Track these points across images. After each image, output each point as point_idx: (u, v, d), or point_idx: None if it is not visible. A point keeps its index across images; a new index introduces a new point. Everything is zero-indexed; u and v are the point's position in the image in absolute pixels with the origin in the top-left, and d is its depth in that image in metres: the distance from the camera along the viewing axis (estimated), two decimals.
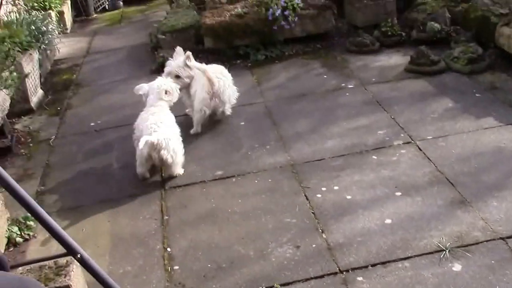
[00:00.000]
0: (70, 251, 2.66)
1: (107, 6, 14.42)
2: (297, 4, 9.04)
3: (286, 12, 8.92)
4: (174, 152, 5.68)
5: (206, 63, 8.66)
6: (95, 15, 13.96)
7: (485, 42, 8.05)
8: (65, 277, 3.84)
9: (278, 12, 8.86)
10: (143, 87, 6.25)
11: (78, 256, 2.66)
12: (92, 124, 7.33)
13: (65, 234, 2.62)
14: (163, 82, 6.28)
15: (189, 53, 6.78)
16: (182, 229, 4.95)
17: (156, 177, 5.88)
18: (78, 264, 2.69)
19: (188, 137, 6.53)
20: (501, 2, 8.29)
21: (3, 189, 2.55)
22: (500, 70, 7.51)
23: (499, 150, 5.65)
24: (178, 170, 5.83)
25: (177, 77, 6.70)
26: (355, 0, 9.52)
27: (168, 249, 4.71)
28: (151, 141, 5.49)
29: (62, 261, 3.96)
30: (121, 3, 14.59)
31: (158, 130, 5.65)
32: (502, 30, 7.55)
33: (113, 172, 6.09)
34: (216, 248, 4.65)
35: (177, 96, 6.37)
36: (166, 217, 5.16)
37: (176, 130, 5.93)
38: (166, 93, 6.13)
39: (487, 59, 7.67)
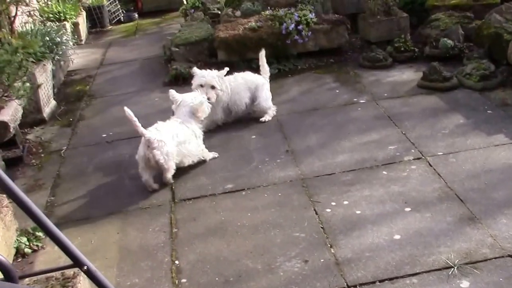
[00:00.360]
0: (77, 262, 2.65)
1: (122, 18, 14.65)
2: (311, 18, 9.11)
3: (300, 27, 8.99)
4: (167, 156, 5.74)
5: None
6: (110, 27, 14.17)
7: (497, 59, 8.04)
8: None
9: (292, 26, 8.93)
10: (176, 98, 6.28)
11: (85, 268, 2.65)
12: (104, 135, 7.38)
13: (72, 245, 2.62)
14: (197, 98, 6.31)
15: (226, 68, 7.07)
16: (191, 242, 4.95)
17: (166, 189, 5.90)
18: (85, 276, 2.70)
19: None
20: None
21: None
22: None
23: (509, 167, 5.62)
24: (169, 176, 5.89)
25: (213, 87, 6.79)
26: (369, 16, 9.55)
27: (176, 262, 4.71)
28: (147, 138, 5.62)
29: (69, 272, 3.96)
30: (136, 15, 14.82)
31: (157, 132, 5.79)
32: None
33: (124, 184, 6.12)
34: (224, 261, 4.65)
35: (207, 113, 6.43)
36: (175, 230, 5.16)
37: (184, 140, 6.01)
38: (198, 111, 6.22)
39: (499, 76, 7.66)
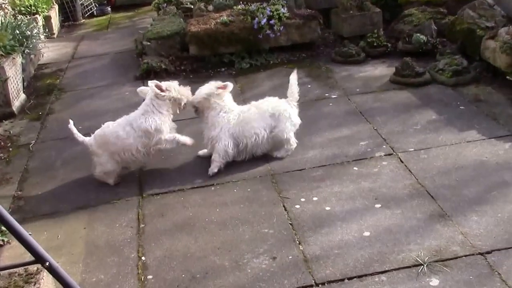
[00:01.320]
0: (39, 259, 2.61)
1: (95, 12, 14.61)
2: (283, 13, 9.08)
3: (272, 21, 8.94)
4: (102, 164, 5.86)
5: (191, 70, 8.70)
6: (82, 20, 14.10)
7: (470, 55, 8.06)
8: (34, 285, 3.78)
9: (264, 21, 8.88)
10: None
11: (47, 264, 2.61)
12: None
13: (33, 241, 2.56)
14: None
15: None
16: (158, 238, 4.88)
17: (134, 184, 5.83)
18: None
19: None
20: (487, 15, 8.31)
21: None
22: (484, 83, 7.52)
23: (481, 164, 5.62)
24: (109, 181, 5.92)
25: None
26: (342, 11, 9.53)
27: (143, 258, 4.64)
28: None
29: (33, 268, 3.89)
30: (109, 9, 14.79)
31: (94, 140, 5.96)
32: (488, 43, 7.54)
33: (92, 178, 6.00)
34: (191, 257, 4.58)
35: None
36: (143, 225, 5.09)
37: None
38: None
39: (472, 71, 7.67)
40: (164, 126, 5.76)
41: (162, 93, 5.75)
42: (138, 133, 5.70)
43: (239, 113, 6.00)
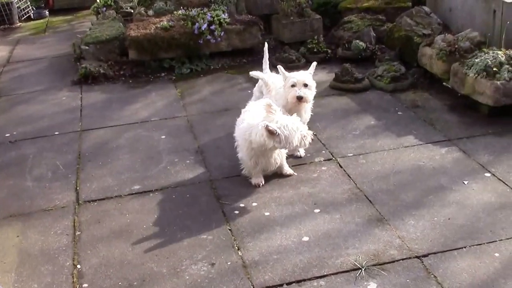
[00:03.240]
0: None
1: (32, 15, 14.36)
2: (224, 19, 9.11)
3: (213, 27, 8.95)
4: None
5: (130, 75, 8.63)
6: (19, 24, 13.82)
7: (408, 62, 8.20)
8: None
9: (204, 26, 8.89)
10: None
11: None
12: (7, 135, 7.10)
13: None
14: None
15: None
16: (94, 246, 4.79)
17: (70, 191, 5.71)
18: None
19: (105, 150, 6.48)
20: (424, 23, 8.46)
21: None
22: (422, 89, 7.66)
23: (418, 169, 5.69)
24: None
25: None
26: (282, 17, 9.60)
27: (78, 266, 4.54)
28: None
29: None
30: (47, 12, 14.55)
31: None
32: (425, 50, 7.68)
33: (26, 185, 5.87)
34: (128, 265, 4.51)
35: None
36: (78, 233, 4.99)
37: None
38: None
39: (410, 78, 7.80)
40: None
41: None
42: None
43: None
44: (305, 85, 5.86)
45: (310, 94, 5.91)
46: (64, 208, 5.41)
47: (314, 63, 6.06)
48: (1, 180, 6.04)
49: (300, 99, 5.83)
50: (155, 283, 4.28)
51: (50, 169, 6.14)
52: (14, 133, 7.12)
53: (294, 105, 5.93)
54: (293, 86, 5.86)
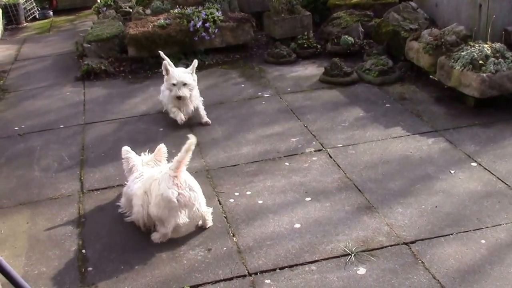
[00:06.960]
0: None
1: (37, 15, 14.88)
2: (218, 16, 9.33)
3: (207, 24, 9.20)
4: None
5: (129, 71, 8.85)
6: (25, 24, 14.33)
7: (395, 55, 8.39)
8: None
9: (199, 24, 9.14)
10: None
11: None
12: (16, 128, 7.32)
13: None
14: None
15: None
16: (98, 232, 4.97)
17: (75, 180, 5.90)
18: None
19: (106, 142, 6.67)
20: (410, 18, 8.65)
21: None
22: (409, 82, 7.85)
23: (405, 158, 5.86)
24: None
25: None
26: (273, 14, 9.80)
27: (83, 251, 4.72)
28: None
29: None
30: (51, 13, 15.07)
31: None
32: (411, 45, 7.86)
33: (34, 175, 6.07)
34: (130, 250, 4.69)
35: None
36: (83, 220, 5.17)
37: None
38: None
39: (397, 71, 7.99)
40: None
41: None
42: None
43: None
44: (185, 84, 6.66)
45: (188, 92, 6.72)
46: (70, 197, 5.60)
47: (195, 62, 6.82)
48: (11, 171, 6.23)
49: (179, 98, 6.69)
50: (155, 267, 4.46)
51: (56, 160, 6.35)
52: (23, 126, 7.33)
53: (178, 102, 6.82)
54: (174, 85, 6.68)
